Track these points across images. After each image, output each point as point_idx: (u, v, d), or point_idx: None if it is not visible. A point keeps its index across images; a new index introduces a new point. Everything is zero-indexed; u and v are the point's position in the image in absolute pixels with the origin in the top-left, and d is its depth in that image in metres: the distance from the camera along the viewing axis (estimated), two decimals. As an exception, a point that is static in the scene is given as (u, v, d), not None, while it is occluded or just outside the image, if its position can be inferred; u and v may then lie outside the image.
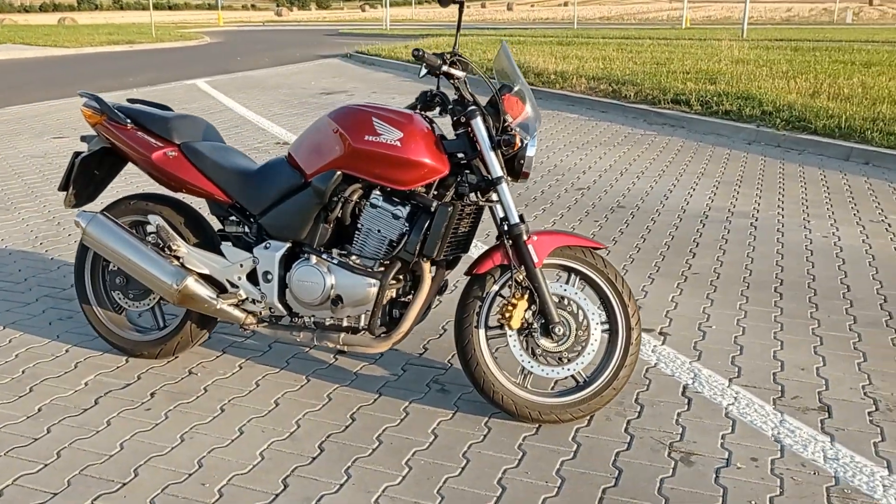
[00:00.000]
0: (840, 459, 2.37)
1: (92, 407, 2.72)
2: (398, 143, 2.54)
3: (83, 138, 3.09)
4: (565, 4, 56.95)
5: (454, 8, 2.63)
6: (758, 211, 5.13)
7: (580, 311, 2.59)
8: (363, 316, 2.71)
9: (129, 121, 2.86)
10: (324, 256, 2.67)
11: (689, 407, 2.70)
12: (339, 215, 2.67)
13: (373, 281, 2.61)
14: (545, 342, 2.58)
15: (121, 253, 2.81)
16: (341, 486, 2.27)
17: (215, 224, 3.00)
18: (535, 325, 2.56)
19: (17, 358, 3.08)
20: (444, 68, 2.52)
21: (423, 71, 2.59)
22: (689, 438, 2.50)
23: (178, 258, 2.82)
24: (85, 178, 3.04)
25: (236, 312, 2.80)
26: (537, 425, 2.58)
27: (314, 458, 2.41)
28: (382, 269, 2.64)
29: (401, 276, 2.65)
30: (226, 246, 2.83)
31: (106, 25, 40.75)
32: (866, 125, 7.19)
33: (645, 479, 2.29)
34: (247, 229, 2.85)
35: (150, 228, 2.93)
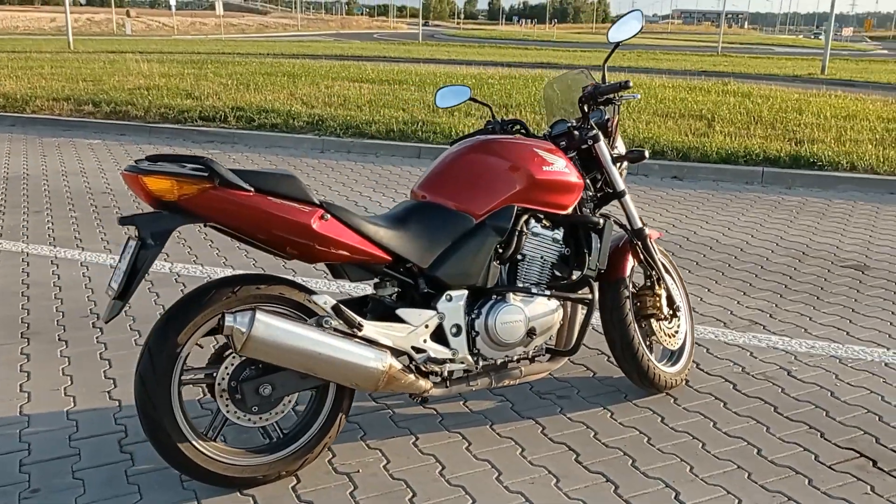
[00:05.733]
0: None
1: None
2: (567, 170, 2.70)
3: (124, 221, 2.16)
4: None
5: None
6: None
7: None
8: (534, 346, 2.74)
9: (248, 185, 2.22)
10: (519, 292, 2.63)
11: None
12: (514, 249, 2.64)
13: (556, 304, 2.71)
14: (670, 323, 3.06)
15: (307, 350, 2.21)
16: (666, 487, 2.46)
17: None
18: (671, 310, 3.03)
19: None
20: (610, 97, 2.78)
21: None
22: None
23: (362, 338, 2.36)
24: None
25: (422, 382, 2.50)
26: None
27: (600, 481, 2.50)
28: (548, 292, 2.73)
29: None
30: (403, 310, 2.47)
31: None
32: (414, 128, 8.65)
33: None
34: (394, 288, 2.54)
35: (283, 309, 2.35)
